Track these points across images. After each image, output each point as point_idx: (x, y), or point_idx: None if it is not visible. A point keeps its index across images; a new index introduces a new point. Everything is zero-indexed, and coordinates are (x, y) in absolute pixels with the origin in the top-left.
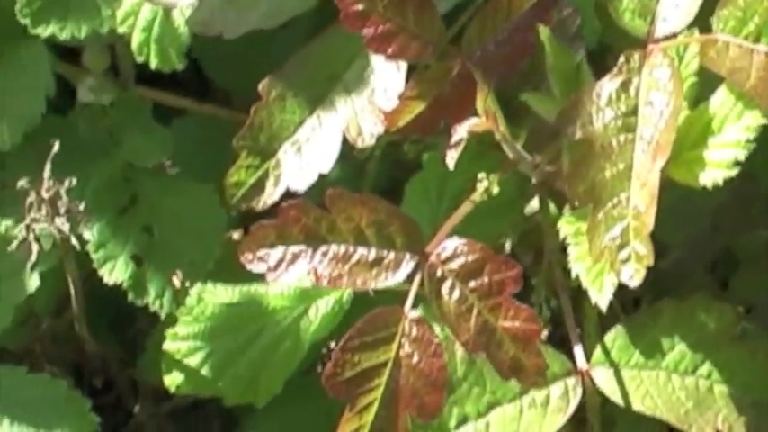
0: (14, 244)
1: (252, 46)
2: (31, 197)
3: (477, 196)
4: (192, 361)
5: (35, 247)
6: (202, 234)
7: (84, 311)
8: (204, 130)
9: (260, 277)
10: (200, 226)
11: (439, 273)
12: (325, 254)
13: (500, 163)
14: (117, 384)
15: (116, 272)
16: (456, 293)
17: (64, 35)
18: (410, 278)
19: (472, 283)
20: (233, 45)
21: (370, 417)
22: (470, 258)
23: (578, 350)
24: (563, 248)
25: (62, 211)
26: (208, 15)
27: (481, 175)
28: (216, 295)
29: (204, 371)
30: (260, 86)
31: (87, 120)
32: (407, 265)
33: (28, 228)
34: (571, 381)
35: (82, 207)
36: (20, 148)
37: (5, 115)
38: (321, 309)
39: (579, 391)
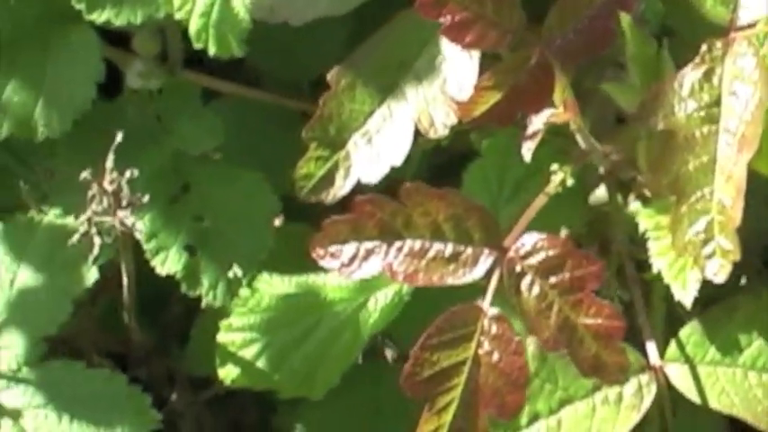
0: (75, 237)
1: (286, 24)
2: (93, 189)
3: (552, 188)
4: (247, 353)
5: (97, 241)
6: (255, 223)
7: (134, 302)
8: (240, 114)
9: (314, 268)
10: (253, 215)
11: (518, 268)
12: (400, 249)
13: (563, 150)
14: (153, 373)
15: (169, 262)
16: (536, 290)
17: (119, 21)
18: (488, 274)
19: (552, 279)
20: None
21: (448, 417)
22: (551, 253)
23: (651, 346)
24: (632, 240)
25: (124, 203)
26: (274, 1)
27: (554, 167)
28: (271, 286)
29: (260, 364)
30: (329, 76)
31: (136, 106)
32: (486, 260)
33: (89, 220)
34: (644, 377)
35: (146, 199)
36: (69, 136)
37: (55, 102)
38: (381, 300)
39: (653, 387)
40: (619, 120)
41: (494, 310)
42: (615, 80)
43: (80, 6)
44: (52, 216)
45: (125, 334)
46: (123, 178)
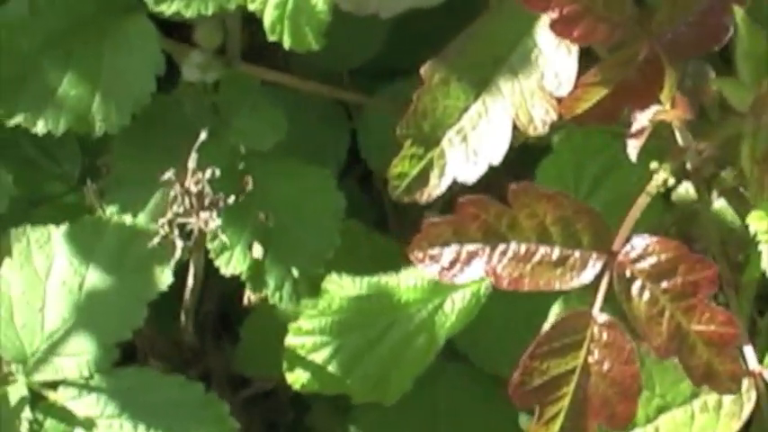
0: (156, 239)
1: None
2: (175, 190)
3: (653, 188)
4: (318, 357)
5: (179, 243)
6: (321, 221)
7: (195, 304)
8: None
9: (379, 268)
10: (318, 212)
11: (628, 273)
12: (504, 253)
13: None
14: (189, 372)
15: (233, 262)
16: (646, 295)
17: (189, 13)
18: (597, 279)
19: (664, 284)
20: None
21: (556, 427)
22: (662, 258)
23: (749, 350)
24: (723, 240)
25: (207, 203)
26: None
27: (654, 165)
28: (342, 287)
29: (331, 368)
30: (422, 70)
31: (193, 99)
32: (594, 265)
33: (171, 223)
34: (744, 383)
35: (230, 200)
36: (124, 130)
37: (113, 96)
38: (457, 302)
39: (753, 394)
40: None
41: (604, 317)
42: (700, 75)
43: None
44: (108, 213)
45: (174, 335)
46: (204, 178)
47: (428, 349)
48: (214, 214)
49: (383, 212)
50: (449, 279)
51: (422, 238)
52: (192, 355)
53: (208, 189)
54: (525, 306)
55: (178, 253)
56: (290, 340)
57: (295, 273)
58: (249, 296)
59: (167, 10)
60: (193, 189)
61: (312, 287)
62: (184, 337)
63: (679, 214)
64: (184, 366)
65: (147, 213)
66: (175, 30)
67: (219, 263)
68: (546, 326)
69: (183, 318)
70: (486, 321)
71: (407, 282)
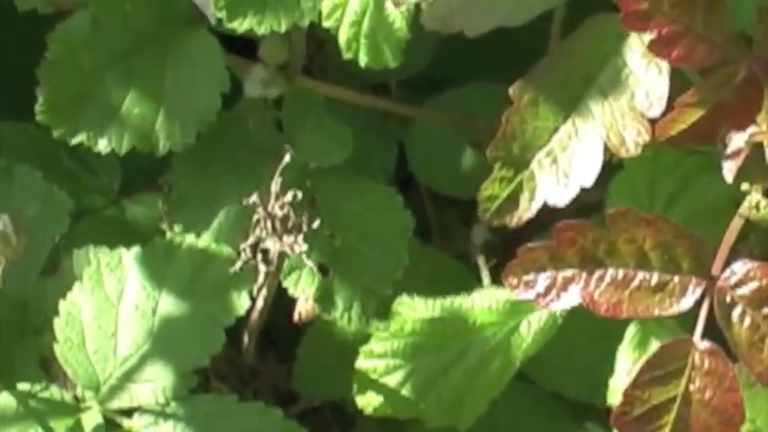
0: (238, 264)
1: None
2: (258, 214)
3: (746, 210)
4: (391, 381)
5: (262, 268)
6: (388, 240)
7: (261, 325)
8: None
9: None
10: (386, 231)
11: (728, 299)
12: (601, 278)
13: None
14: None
15: (302, 283)
16: (747, 321)
17: (263, 29)
18: (697, 305)
19: (766, 310)
20: None
21: None
22: (764, 283)
23: None
24: None
25: (290, 226)
26: (447, 11)
27: (746, 186)
28: (414, 309)
29: (404, 392)
30: (510, 91)
31: (255, 116)
32: (694, 290)
33: (255, 247)
34: None
35: (316, 224)
36: (186, 148)
37: (177, 113)
38: (534, 324)
39: None
40: None
41: (705, 344)
42: None
43: (221, 14)
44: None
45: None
46: (286, 200)
47: (504, 372)
48: (299, 238)
49: (425, 222)
50: (544, 305)
51: (517, 263)
52: (251, 374)
53: (292, 213)
54: (589, 325)
55: (261, 279)
56: (362, 363)
57: (363, 293)
58: (300, 312)
59: (240, 27)
60: (278, 213)
61: (380, 307)
62: (245, 357)
63: (763, 235)
64: (242, 386)
65: (212, 233)
66: (236, 43)
67: (288, 283)
68: (648, 354)
69: (246, 338)
70: (549, 340)
71: (481, 303)
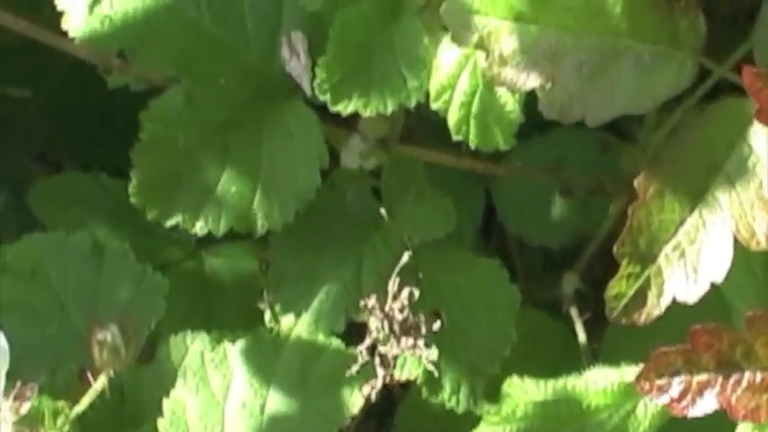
0: (355, 368)
1: None
2: (376, 315)
3: None
4: None
5: (381, 372)
6: (495, 316)
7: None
8: None
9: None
10: (492, 306)
11: None
12: (738, 382)
13: None
14: None
15: (408, 366)
16: None
17: (368, 111)
18: None
19: None
20: None
21: None
22: None
23: None
24: None
25: (409, 328)
26: (565, 98)
27: None
28: (525, 391)
29: None
30: (636, 183)
31: (354, 189)
32: None
33: (373, 349)
34: None
35: (436, 326)
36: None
37: (275, 191)
38: (650, 406)
39: None
40: None
41: None
42: None
43: (324, 97)
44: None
45: None
46: (405, 304)
47: None
48: (420, 342)
49: (509, 263)
50: (679, 411)
51: (650, 367)
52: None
53: (410, 313)
54: None
55: (379, 383)
56: None
57: (471, 373)
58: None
59: (344, 110)
60: (397, 316)
61: (489, 387)
62: None
63: None
64: None
65: (312, 313)
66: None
67: None
68: None
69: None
70: (666, 423)
71: (595, 385)
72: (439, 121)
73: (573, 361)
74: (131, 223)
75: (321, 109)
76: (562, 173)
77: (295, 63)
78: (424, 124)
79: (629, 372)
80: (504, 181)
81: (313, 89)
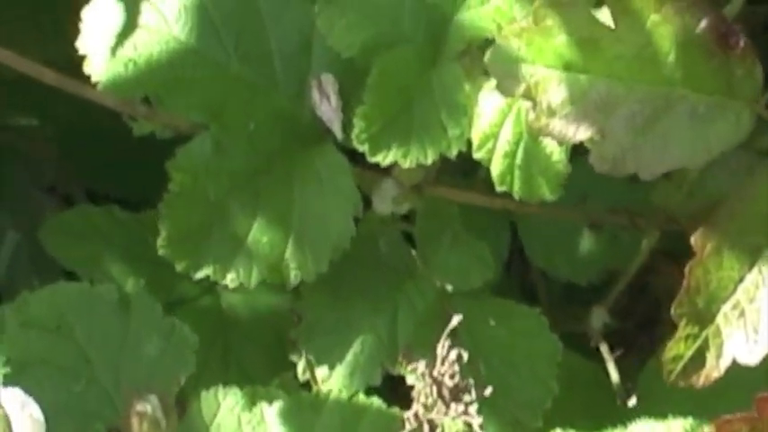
0: None
1: None
2: (425, 381)
3: None
4: None
5: None
6: (536, 367)
7: None
8: None
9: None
10: (533, 357)
11: None
12: None
13: None
14: None
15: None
16: None
17: (408, 162)
18: None
19: None
20: None
21: None
22: None
23: None
24: None
25: (459, 392)
26: (617, 152)
27: None
28: None
29: None
30: (692, 240)
31: (387, 234)
32: None
33: (417, 416)
34: None
35: (487, 391)
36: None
37: (308, 241)
38: None
39: None
40: None
41: None
42: None
43: (363, 147)
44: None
45: None
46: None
47: None
48: (471, 409)
49: (531, 293)
50: None
51: None
52: None
53: (459, 377)
54: None
55: None
56: None
57: (513, 427)
58: None
59: (383, 160)
60: (447, 382)
61: None
62: None
63: None
64: None
65: (347, 366)
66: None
67: None
68: None
69: None
70: None
71: None
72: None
73: (607, 401)
74: (145, 257)
75: (352, 152)
76: (589, 208)
77: (326, 106)
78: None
79: (676, 426)
80: (530, 215)
81: (345, 133)
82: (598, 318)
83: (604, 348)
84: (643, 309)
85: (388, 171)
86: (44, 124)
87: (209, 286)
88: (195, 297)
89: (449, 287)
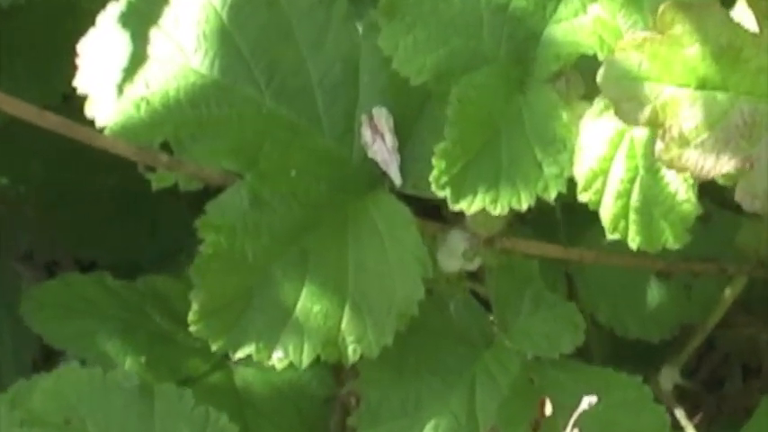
0: None
1: None
2: None
3: None
4: None
5: None
6: None
7: None
8: None
9: None
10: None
11: None
12: None
13: None
14: None
15: None
16: None
17: (499, 209)
18: None
19: None
20: None
21: None
22: None
23: None
24: None
25: None
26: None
27: None
28: None
29: None
30: None
31: (458, 296)
32: None
33: None
34: None
35: None
36: None
37: (367, 308)
38: None
39: None
40: None
41: None
42: None
43: (443, 193)
44: None
45: None
46: None
47: None
48: None
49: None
50: None
51: None
52: None
53: None
54: None
55: None
56: None
57: None
58: None
59: (469, 208)
60: None
61: None
62: None
63: None
64: None
65: None
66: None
67: None
68: None
69: None
70: None
71: None
72: None
73: None
74: (144, 332)
75: (408, 198)
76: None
77: (379, 146)
78: None
79: None
80: (588, 265)
81: (403, 177)
82: (667, 378)
83: (680, 414)
84: (710, 365)
85: (452, 221)
86: (16, 183)
87: (220, 361)
88: (205, 374)
89: (530, 355)
